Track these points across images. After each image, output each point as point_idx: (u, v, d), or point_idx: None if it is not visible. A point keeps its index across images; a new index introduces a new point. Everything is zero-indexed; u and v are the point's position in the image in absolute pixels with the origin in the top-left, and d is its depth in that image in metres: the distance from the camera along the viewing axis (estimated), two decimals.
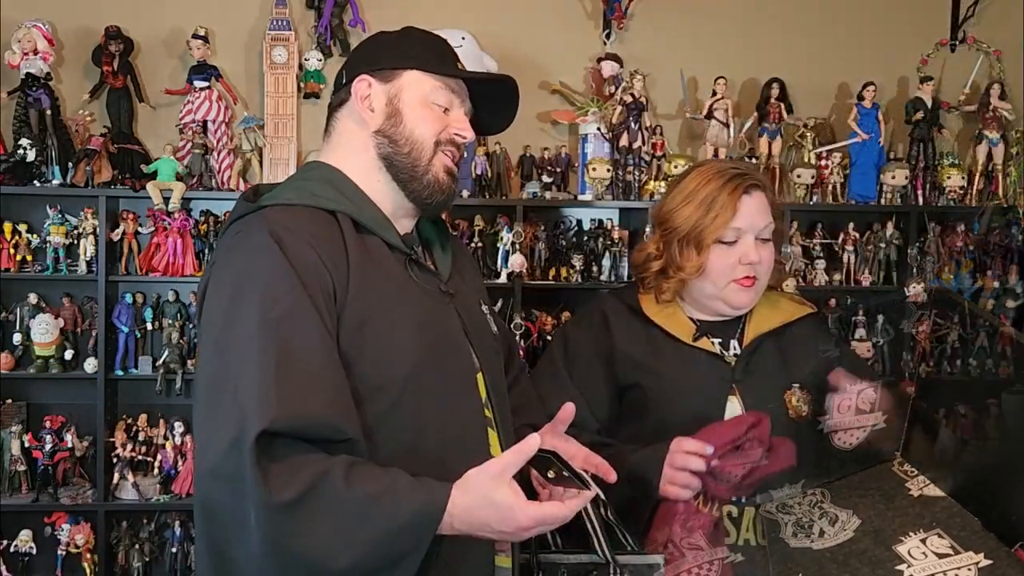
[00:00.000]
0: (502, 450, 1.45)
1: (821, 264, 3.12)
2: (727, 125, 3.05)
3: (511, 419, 1.56)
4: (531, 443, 1.23)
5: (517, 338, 2.85)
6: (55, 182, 2.85)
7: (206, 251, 2.95)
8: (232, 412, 1.21)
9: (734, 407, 1.76)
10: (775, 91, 3.10)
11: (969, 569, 1.46)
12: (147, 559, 2.93)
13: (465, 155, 1.55)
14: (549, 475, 1.41)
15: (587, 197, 3.04)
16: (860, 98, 3.13)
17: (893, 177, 3.08)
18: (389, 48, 1.51)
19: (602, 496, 1.49)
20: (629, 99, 3.03)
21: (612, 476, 1.52)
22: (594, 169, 2.99)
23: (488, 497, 1.23)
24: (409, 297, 1.40)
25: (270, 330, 1.25)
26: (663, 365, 1.80)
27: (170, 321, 2.96)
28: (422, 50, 1.49)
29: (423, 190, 1.45)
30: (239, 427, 1.19)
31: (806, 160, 3.12)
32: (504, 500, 1.22)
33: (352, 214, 1.40)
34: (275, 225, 1.33)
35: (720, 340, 1.83)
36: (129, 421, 2.98)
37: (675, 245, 1.80)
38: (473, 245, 3.00)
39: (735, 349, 1.82)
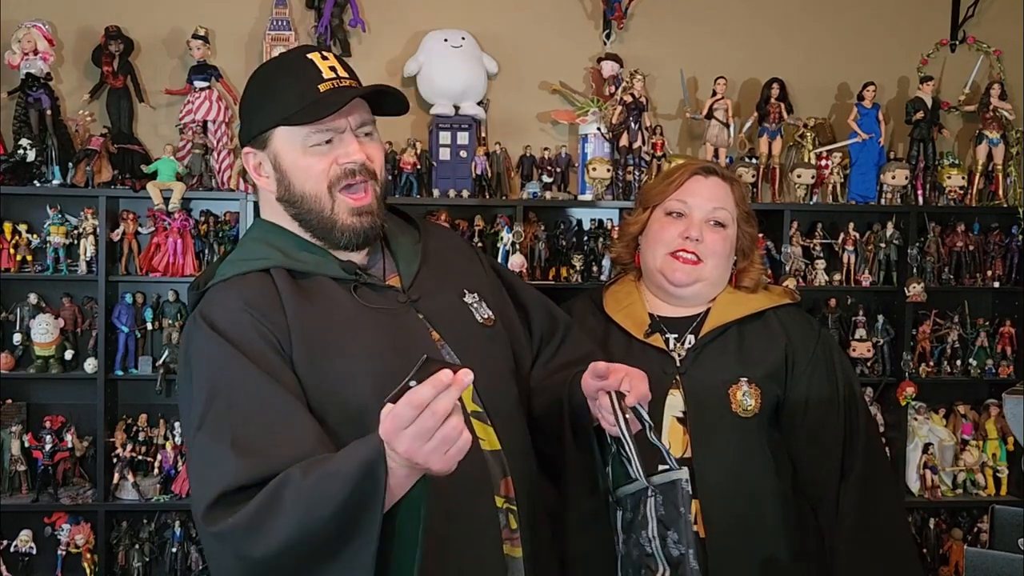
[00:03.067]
0: (498, 439, 1.46)
1: (821, 264, 3.11)
2: (727, 125, 3.05)
3: (516, 403, 1.56)
4: (442, 378, 1.16)
5: None
6: (55, 182, 2.85)
7: (206, 251, 2.96)
8: (196, 491, 1.32)
9: (676, 402, 1.76)
10: (775, 91, 3.10)
11: None
12: (147, 559, 2.93)
13: (379, 170, 1.49)
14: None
15: (587, 197, 3.04)
16: (860, 98, 3.12)
17: (893, 177, 3.07)
18: (252, 110, 1.49)
19: (649, 422, 1.44)
20: (629, 99, 3.03)
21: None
22: (594, 169, 2.99)
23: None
24: (358, 323, 1.44)
25: (215, 409, 1.33)
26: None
27: (170, 321, 2.96)
28: (280, 98, 1.44)
29: (340, 238, 1.48)
30: (199, 500, 1.29)
31: (806, 160, 3.11)
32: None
33: (284, 265, 1.46)
34: (208, 307, 1.43)
35: (676, 335, 1.83)
36: (129, 421, 2.98)
37: (634, 211, 1.96)
38: (473, 245, 3.00)
39: (690, 343, 1.82)
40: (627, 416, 1.41)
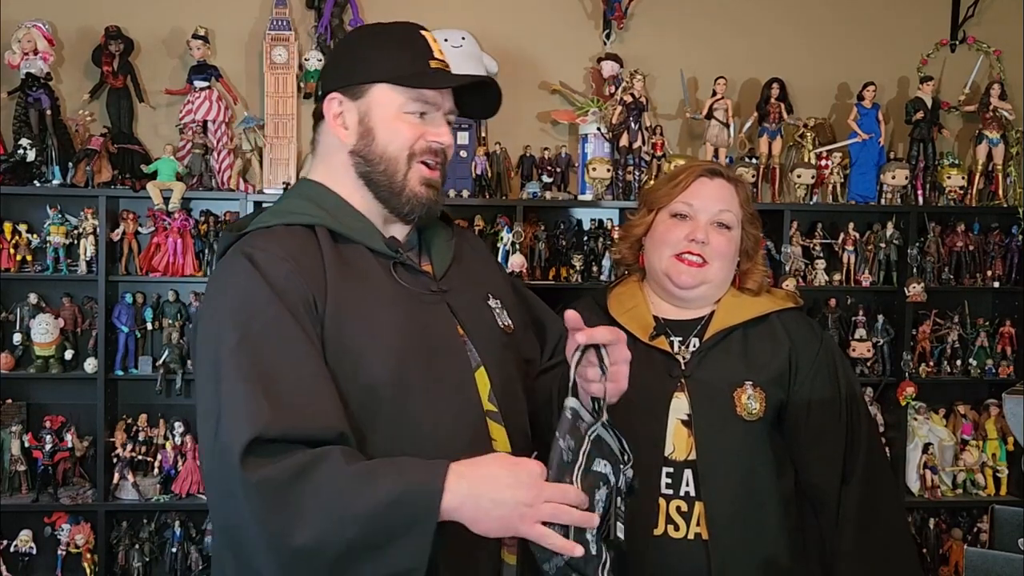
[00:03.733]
0: (510, 443, 1.46)
1: (821, 264, 3.12)
2: (727, 125, 3.05)
3: (524, 409, 1.56)
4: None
5: None
6: (55, 182, 2.85)
7: (206, 251, 2.96)
8: (225, 428, 1.25)
9: (681, 404, 1.76)
10: (775, 91, 3.10)
11: None
12: (147, 559, 2.93)
13: (449, 158, 1.52)
14: None
15: (587, 197, 3.04)
16: (860, 98, 3.12)
17: (893, 177, 3.08)
18: (357, 60, 1.48)
19: (604, 368, 1.34)
20: (629, 99, 3.03)
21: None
22: (594, 169, 2.99)
23: (501, 457, 1.29)
24: (392, 300, 1.42)
25: (249, 346, 1.29)
26: None
27: (170, 321, 2.96)
28: (392, 58, 1.45)
29: (403, 206, 1.47)
30: (231, 439, 1.23)
31: (806, 160, 3.12)
32: (520, 460, 1.24)
33: (329, 225, 1.44)
34: (249, 247, 1.39)
35: (681, 338, 1.83)
36: (129, 421, 2.98)
37: (638, 212, 1.94)
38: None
39: (695, 346, 1.82)
40: (581, 362, 1.33)
